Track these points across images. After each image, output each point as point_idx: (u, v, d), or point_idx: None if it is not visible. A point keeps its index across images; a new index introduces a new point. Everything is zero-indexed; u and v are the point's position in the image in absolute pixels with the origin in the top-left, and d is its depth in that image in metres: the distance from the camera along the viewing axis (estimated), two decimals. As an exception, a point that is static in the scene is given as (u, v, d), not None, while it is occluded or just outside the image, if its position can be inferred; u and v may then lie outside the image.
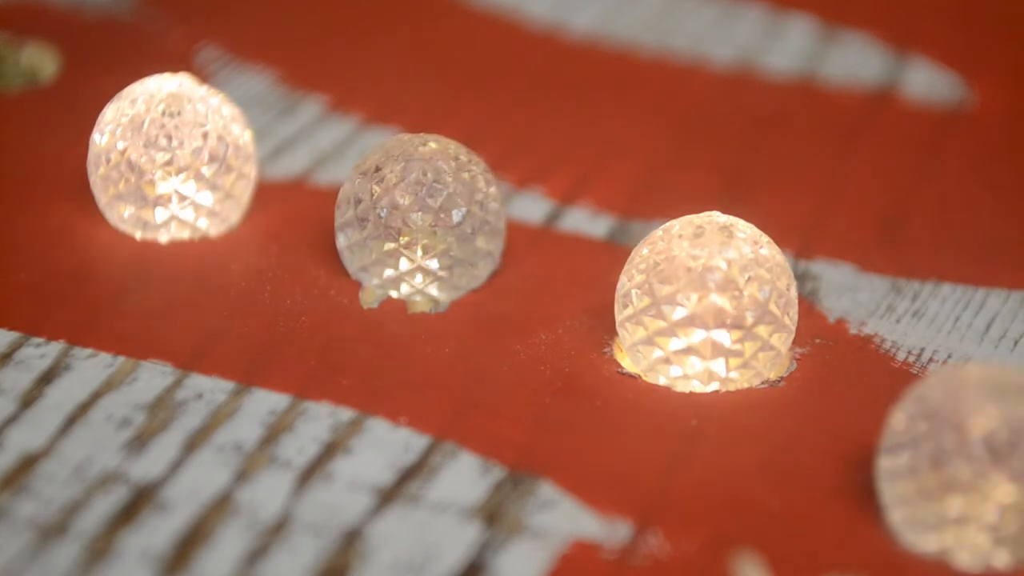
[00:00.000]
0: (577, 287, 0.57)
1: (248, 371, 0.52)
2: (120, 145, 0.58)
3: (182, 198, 0.58)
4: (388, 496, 0.48)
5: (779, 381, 0.53)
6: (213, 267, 0.57)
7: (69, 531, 0.46)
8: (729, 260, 0.51)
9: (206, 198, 0.58)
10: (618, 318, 0.53)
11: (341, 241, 0.56)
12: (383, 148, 0.56)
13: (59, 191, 0.61)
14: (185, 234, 0.59)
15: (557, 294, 0.57)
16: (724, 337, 0.51)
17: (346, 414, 0.51)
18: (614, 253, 0.59)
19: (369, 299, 0.56)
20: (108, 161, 0.58)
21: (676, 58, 0.75)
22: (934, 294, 0.58)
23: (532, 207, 0.62)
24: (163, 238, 0.59)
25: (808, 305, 0.57)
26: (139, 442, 0.49)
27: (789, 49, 0.76)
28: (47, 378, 0.52)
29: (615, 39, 0.76)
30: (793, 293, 0.52)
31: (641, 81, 0.73)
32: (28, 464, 0.48)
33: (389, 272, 0.56)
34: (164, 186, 0.58)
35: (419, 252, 0.55)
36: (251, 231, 0.60)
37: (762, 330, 0.51)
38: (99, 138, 0.58)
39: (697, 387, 0.52)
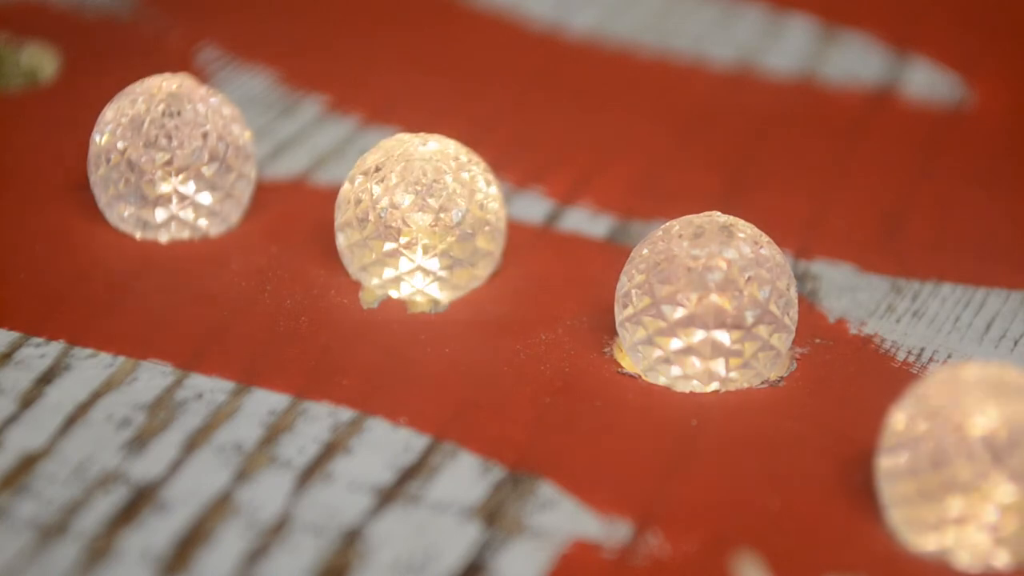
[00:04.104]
0: (577, 287, 0.57)
1: (248, 371, 0.52)
2: (120, 145, 0.58)
3: (182, 198, 0.58)
4: (388, 496, 0.48)
5: (779, 381, 0.53)
6: (213, 267, 0.57)
7: (69, 531, 0.46)
8: (729, 260, 0.51)
9: (206, 198, 0.58)
10: (618, 318, 0.53)
11: (341, 241, 0.56)
12: (383, 148, 0.56)
13: (59, 191, 0.61)
14: (185, 234, 0.59)
15: (557, 294, 0.57)
16: (724, 337, 0.51)
17: (346, 414, 0.51)
18: (614, 253, 0.59)
19: (369, 299, 0.56)
20: (108, 161, 0.58)
21: (676, 58, 0.75)
22: (934, 294, 0.58)
23: (532, 207, 0.62)
24: (163, 238, 0.59)
25: (808, 305, 0.57)
26: (139, 442, 0.49)
27: (789, 49, 0.76)
28: (47, 378, 0.52)
29: (615, 39, 0.76)
30: (793, 293, 0.52)
31: (641, 81, 0.73)
32: (28, 464, 0.48)
33: (389, 272, 0.56)
34: (164, 186, 0.58)
35: (419, 252, 0.55)
36: (251, 231, 0.60)
37: (762, 330, 0.51)
38: (99, 138, 0.58)
39: (697, 387, 0.52)
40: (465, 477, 0.48)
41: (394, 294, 0.56)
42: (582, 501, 0.48)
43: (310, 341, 0.54)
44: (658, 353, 0.52)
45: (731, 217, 0.53)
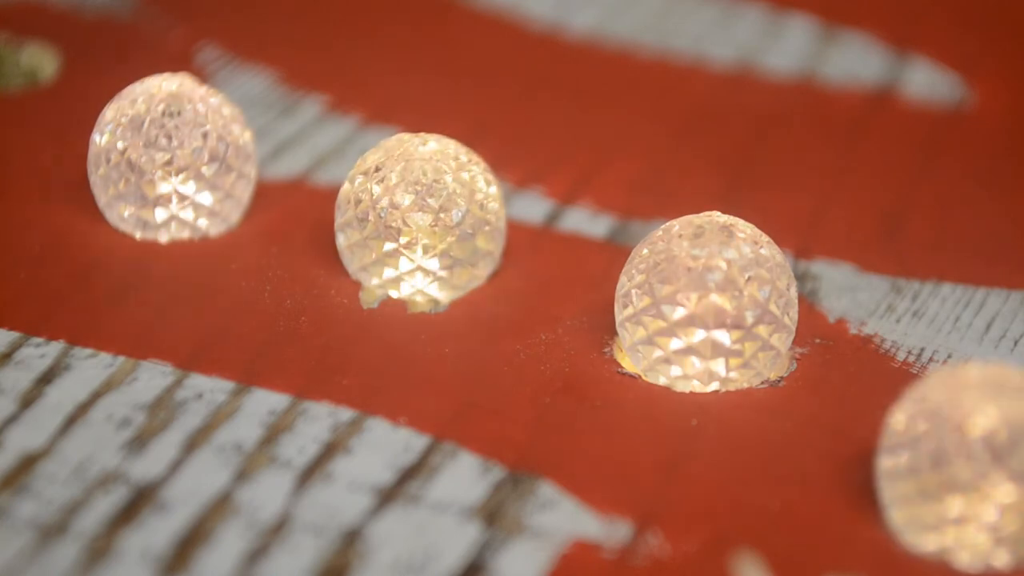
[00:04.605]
0: (577, 287, 0.57)
1: (248, 371, 0.52)
2: (120, 145, 0.58)
3: (182, 198, 0.58)
4: (388, 496, 0.48)
5: (779, 381, 0.53)
6: (213, 267, 0.57)
7: (69, 531, 0.46)
8: (729, 260, 0.51)
9: (206, 198, 0.58)
10: (618, 318, 0.53)
11: (341, 241, 0.56)
12: (383, 148, 0.56)
13: (59, 191, 0.61)
14: (185, 234, 0.59)
15: (557, 294, 0.57)
16: (724, 337, 0.51)
17: (346, 414, 0.51)
18: (614, 253, 0.59)
19: (369, 299, 0.56)
20: (108, 161, 0.58)
21: (676, 58, 0.75)
22: (934, 294, 0.58)
23: (532, 207, 0.62)
24: (163, 238, 0.59)
25: (808, 305, 0.57)
26: (139, 442, 0.49)
27: (789, 49, 0.76)
28: (47, 378, 0.52)
29: (615, 39, 0.76)
30: (793, 293, 0.52)
31: (641, 81, 0.73)
32: (28, 464, 0.48)
33: (389, 272, 0.56)
34: (164, 186, 0.58)
35: (419, 252, 0.55)
36: (251, 231, 0.60)
37: (762, 330, 0.51)
38: (99, 138, 0.58)
39: (697, 387, 0.52)
40: (465, 477, 0.48)
41: (394, 294, 0.56)
42: (582, 501, 0.48)
43: (310, 341, 0.54)
44: (658, 353, 0.52)
45: (731, 217, 0.53)
